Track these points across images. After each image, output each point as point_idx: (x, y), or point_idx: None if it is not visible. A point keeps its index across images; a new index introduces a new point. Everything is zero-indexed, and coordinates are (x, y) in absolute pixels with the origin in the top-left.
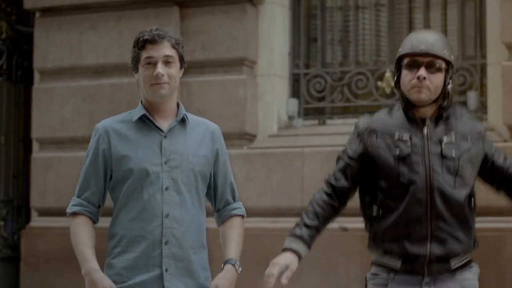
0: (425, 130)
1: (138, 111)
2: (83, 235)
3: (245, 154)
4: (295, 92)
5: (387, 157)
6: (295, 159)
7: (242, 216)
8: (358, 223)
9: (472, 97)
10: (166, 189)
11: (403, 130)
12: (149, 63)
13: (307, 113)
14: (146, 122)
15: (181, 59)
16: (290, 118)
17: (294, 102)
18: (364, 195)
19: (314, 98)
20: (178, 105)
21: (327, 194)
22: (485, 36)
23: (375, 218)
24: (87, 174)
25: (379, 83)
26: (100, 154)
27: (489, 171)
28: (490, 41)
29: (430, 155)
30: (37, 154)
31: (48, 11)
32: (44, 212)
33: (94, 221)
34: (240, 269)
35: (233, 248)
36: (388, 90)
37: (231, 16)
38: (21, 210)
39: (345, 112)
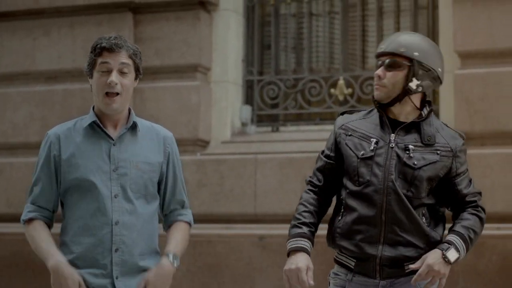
0: (392, 136)
1: (89, 118)
2: (43, 235)
3: (198, 161)
4: (248, 98)
5: (351, 156)
6: (248, 165)
7: (189, 224)
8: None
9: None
10: (115, 196)
11: (373, 132)
12: (104, 71)
13: (260, 120)
14: (96, 129)
15: (137, 69)
16: (244, 124)
17: (247, 109)
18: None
19: (267, 105)
20: (129, 111)
21: (315, 193)
22: (437, 45)
23: (338, 215)
24: (40, 180)
25: (332, 90)
26: (52, 160)
27: (446, 190)
28: (442, 50)
29: (392, 160)
30: None
31: (1, 16)
32: None
33: (50, 226)
34: (176, 264)
35: (172, 243)
36: (341, 97)
37: (185, 22)
38: None
39: (299, 119)
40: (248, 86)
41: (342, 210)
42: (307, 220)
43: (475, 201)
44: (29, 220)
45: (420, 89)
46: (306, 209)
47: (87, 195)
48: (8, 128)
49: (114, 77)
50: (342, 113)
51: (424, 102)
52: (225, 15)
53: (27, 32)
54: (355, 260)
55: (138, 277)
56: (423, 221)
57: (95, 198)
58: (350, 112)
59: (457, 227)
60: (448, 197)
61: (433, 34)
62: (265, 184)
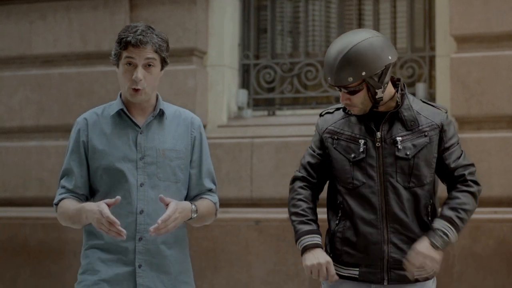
0: (378, 134)
1: (116, 105)
2: (70, 204)
3: None
4: (245, 83)
5: (343, 160)
6: (244, 149)
7: (214, 204)
8: None
9: (421, 89)
10: (141, 185)
11: (359, 133)
12: (130, 63)
13: (256, 104)
14: (123, 117)
15: (163, 61)
16: (240, 108)
17: (243, 93)
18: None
19: (263, 89)
20: (157, 97)
21: (311, 189)
22: (434, 29)
23: (335, 220)
24: (70, 166)
25: None
26: (81, 145)
27: (438, 166)
28: (439, 34)
29: (384, 158)
30: None
31: None
32: None
33: None
34: (195, 215)
35: (197, 201)
36: None
37: (181, 6)
38: None
39: (295, 103)
40: (245, 70)
41: (339, 215)
42: (313, 218)
43: (464, 175)
44: (59, 202)
45: (386, 85)
46: (310, 206)
47: (114, 183)
48: (3, 112)
49: (140, 73)
50: (322, 114)
51: (394, 83)
52: None
53: (23, 16)
54: (357, 269)
55: (162, 268)
56: (427, 217)
57: (121, 186)
58: (330, 112)
59: (445, 211)
60: (440, 172)
61: (429, 18)
62: (261, 168)
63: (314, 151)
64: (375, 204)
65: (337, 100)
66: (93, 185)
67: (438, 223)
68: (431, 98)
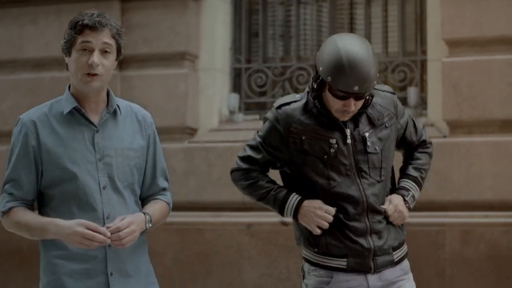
0: (348, 131)
1: (67, 102)
2: (29, 214)
3: (186, 148)
4: (236, 86)
5: (315, 160)
6: (236, 153)
7: (167, 204)
8: None
9: (412, 93)
10: (104, 188)
11: (327, 130)
12: (85, 49)
13: (248, 107)
14: (75, 115)
15: (119, 50)
16: (231, 112)
17: (235, 97)
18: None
19: (255, 93)
20: (108, 93)
21: (254, 170)
22: (425, 32)
23: None
24: (17, 170)
25: None
26: (30, 150)
27: (400, 143)
28: (430, 38)
29: (355, 155)
30: None
31: None
32: None
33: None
34: (150, 225)
35: (148, 207)
36: None
37: (173, 10)
38: None
39: None
40: (236, 74)
41: None
42: (280, 185)
43: (424, 140)
44: (9, 210)
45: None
46: (270, 179)
47: (73, 188)
48: None
49: (96, 57)
50: (279, 107)
51: None
52: (212, 3)
53: (13, 20)
54: (345, 259)
55: (131, 273)
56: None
57: (82, 191)
58: (287, 104)
59: (410, 170)
60: (404, 148)
61: (421, 22)
62: None
63: (263, 147)
64: (356, 200)
65: None
66: (47, 190)
67: (407, 183)
68: (422, 102)
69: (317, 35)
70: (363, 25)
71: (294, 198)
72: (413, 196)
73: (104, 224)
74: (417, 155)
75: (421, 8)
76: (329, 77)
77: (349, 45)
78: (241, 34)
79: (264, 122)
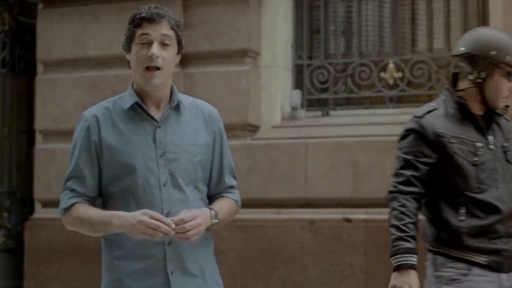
0: (491, 138)
1: (130, 98)
2: (92, 209)
3: (248, 145)
4: (298, 83)
5: (464, 164)
6: (298, 150)
7: (235, 201)
8: (361, 214)
9: None
10: (164, 184)
11: (471, 135)
12: (144, 43)
13: (310, 104)
14: (137, 110)
15: (179, 42)
16: (293, 109)
17: (297, 94)
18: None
19: (317, 89)
20: (172, 89)
21: (417, 201)
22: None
23: (456, 215)
24: (79, 167)
25: (382, 74)
26: (92, 145)
27: None
28: None
29: (500, 162)
30: (40, 145)
31: (51, 2)
32: (48, 204)
33: None
34: (215, 220)
35: (215, 205)
36: (391, 81)
37: (234, 7)
38: (24, 202)
39: (348, 103)
40: (298, 71)
41: (464, 211)
42: (413, 234)
43: None
44: (71, 207)
45: None
46: (412, 221)
47: (133, 184)
48: (59, 114)
49: (155, 49)
50: (422, 116)
51: None
52: (273, 0)
53: (76, 18)
54: (487, 256)
55: (194, 272)
56: None
57: (141, 187)
58: (428, 112)
59: None
60: None
61: (483, 17)
62: (316, 168)
63: (418, 159)
64: (502, 204)
65: (391, 100)
66: (107, 187)
67: None
68: None
69: (379, 30)
70: (425, 20)
71: (400, 259)
72: None
73: None
74: None
75: (483, 3)
76: (507, 57)
77: (493, 28)
78: (302, 30)
79: (404, 138)
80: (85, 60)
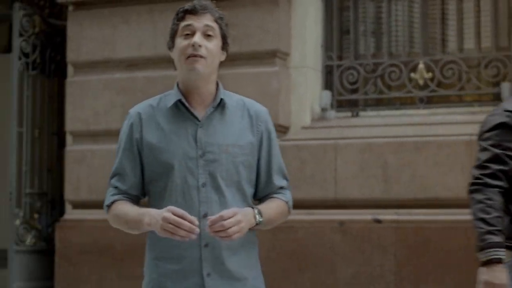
0: None
1: (173, 96)
2: (129, 206)
3: (279, 146)
4: (328, 84)
5: None
6: (328, 151)
7: (285, 202)
8: (390, 215)
9: (505, 89)
10: (203, 185)
11: None
12: (187, 34)
13: (340, 105)
14: (180, 108)
15: (224, 36)
16: (323, 110)
17: (327, 94)
18: None
19: (347, 90)
20: (217, 85)
21: (503, 196)
22: None
23: None
24: (123, 164)
25: (412, 74)
26: (134, 143)
27: None
28: None
29: None
30: (71, 147)
31: (81, 5)
32: (78, 205)
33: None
34: (260, 219)
35: (263, 205)
36: (421, 82)
37: (263, 8)
38: (55, 203)
39: (378, 104)
40: (328, 72)
41: None
42: (501, 228)
43: None
44: (112, 204)
45: None
46: (499, 215)
47: (172, 184)
48: (89, 116)
49: (198, 38)
50: (509, 110)
51: None
52: (303, 0)
53: (106, 20)
54: None
55: (233, 275)
56: None
57: (180, 187)
58: None
59: None
60: None
61: None
62: (346, 169)
63: (507, 153)
64: None
65: (421, 100)
66: (147, 186)
67: None
68: None
69: (409, 31)
70: (455, 20)
71: (489, 253)
72: None
73: (200, 223)
74: None
75: None
76: None
77: None
78: (332, 31)
79: (492, 130)
80: (115, 62)
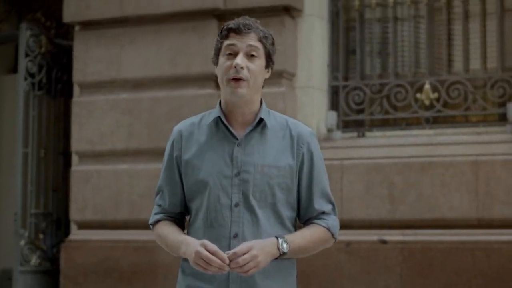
0: None
1: (214, 113)
2: (169, 229)
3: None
4: (334, 104)
5: None
6: (334, 171)
7: (327, 228)
8: (397, 236)
9: (511, 109)
10: (236, 205)
11: None
12: (230, 54)
13: (346, 125)
14: (220, 126)
15: (268, 56)
16: (329, 130)
17: (333, 115)
18: None
19: (353, 110)
20: (261, 103)
21: None
22: None
23: None
24: (164, 182)
25: (418, 95)
26: (174, 160)
27: None
28: None
29: None
30: (76, 167)
31: (87, 25)
32: (83, 225)
33: (181, 228)
34: (282, 248)
35: (297, 232)
36: (427, 102)
37: (270, 28)
38: (60, 223)
39: (384, 124)
40: (334, 92)
41: None
42: None
43: None
44: (156, 222)
45: None
46: None
47: (205, 202)
48: (95, 136)
49: (240, 59)
50: None
51: None
52: (309, 21)
53: (112, 40)
54: None
55: None
56: None
57: (213, 206)
58: None
59: None
60: None
61: None
62: (352, 190)
63: None
64: None
65: (427, 121)
66: (188, 203)
67: None
68: None
69: (415, 51)
70: (461, 40)
71: None
72: None
73: (230, 243)
74: None
75: None
76: None
77: None
78: (338, 51)
79: None
80: (121, 82)
